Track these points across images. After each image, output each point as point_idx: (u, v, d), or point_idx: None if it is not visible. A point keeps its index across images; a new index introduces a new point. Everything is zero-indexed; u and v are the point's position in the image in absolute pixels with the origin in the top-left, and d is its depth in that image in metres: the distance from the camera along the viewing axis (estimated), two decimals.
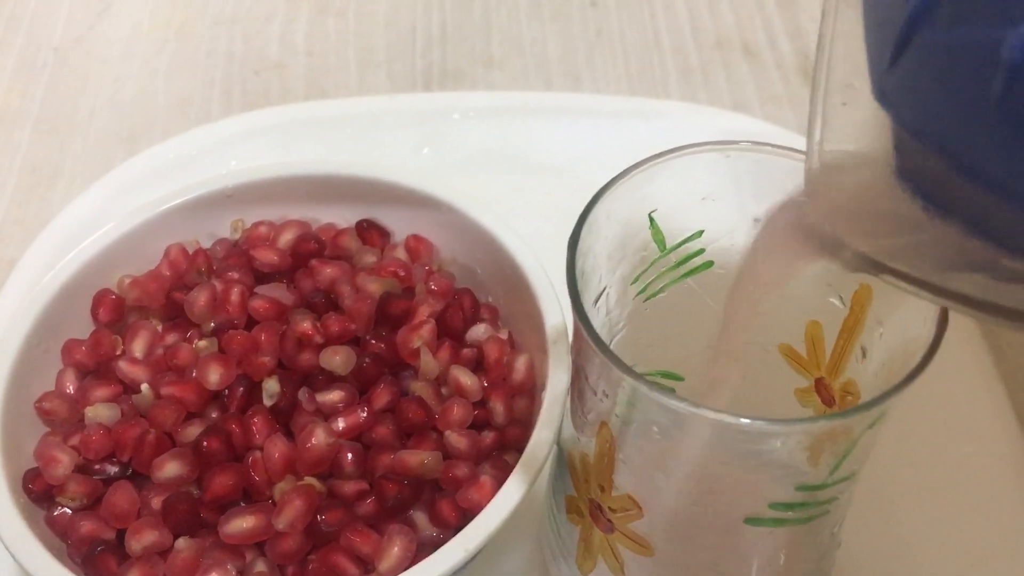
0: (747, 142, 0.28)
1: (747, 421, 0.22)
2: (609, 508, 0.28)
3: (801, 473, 0.25)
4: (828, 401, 0.31)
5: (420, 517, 0.33)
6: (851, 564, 0.35)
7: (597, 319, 0.30)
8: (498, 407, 0.35)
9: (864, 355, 0.29)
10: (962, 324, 0.43)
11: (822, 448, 0.24)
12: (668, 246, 0.30)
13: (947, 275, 0.21)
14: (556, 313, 0.35)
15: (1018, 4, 0.16)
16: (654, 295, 0.32)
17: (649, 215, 0.29)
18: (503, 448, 0.35)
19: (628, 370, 0.23)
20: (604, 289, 0.30)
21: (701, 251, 0.31)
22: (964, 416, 0.41)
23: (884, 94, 0.20)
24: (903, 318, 0.27)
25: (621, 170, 0.28)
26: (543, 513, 0.36)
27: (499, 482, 0.32)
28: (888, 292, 0.28)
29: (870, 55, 0.20)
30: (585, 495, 0.29)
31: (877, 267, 0.22)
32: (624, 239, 0.29)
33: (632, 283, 0.31)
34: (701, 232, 0.30)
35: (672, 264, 0.31)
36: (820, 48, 0.23)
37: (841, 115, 0.23)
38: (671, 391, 0.24)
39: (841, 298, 0.29)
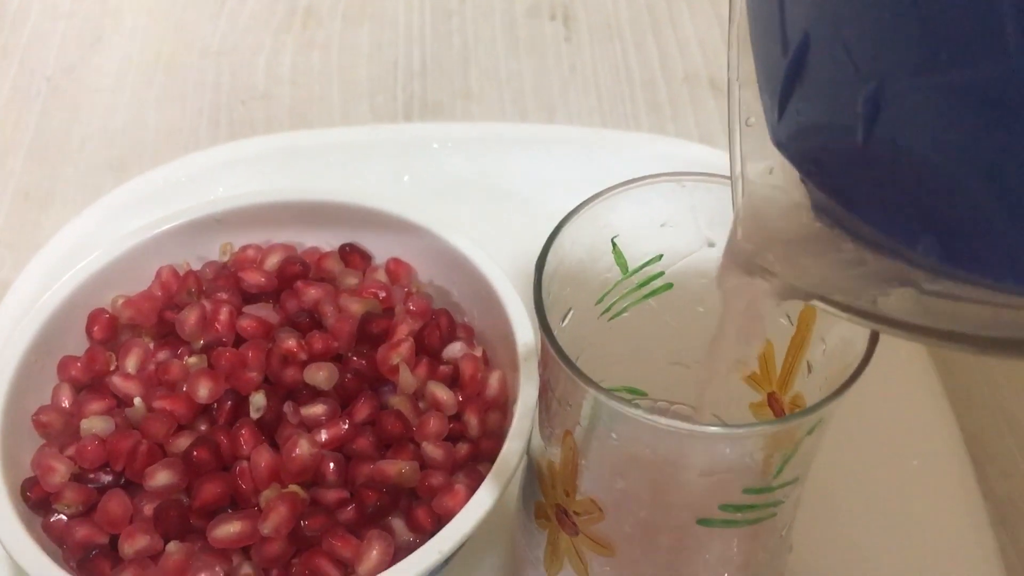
0: (701, 173, 0.30)
1: (696, 428, 0.25)
2: (574, 512, 0.30)
3: (748, 476, 0.27)
4: (779, 413, 0.33)
5: (398, 523, 0.35)
6: (803, 568, 0.37)
7: (563, 337, 0.32)
8: (472, 420, 0.37)
9: (810, 370, 0.31)
10: (908, 345, 0.46)
11: (767, 452, 0.27)
12: (630, 269, 0.33)
13: (870, 297, 0.23)
14: (527, 332, 0.37)
15: (868, 68, 0.18)
16: (617, 315, 0.34)
17: (612, 240, 0.32)
18: (477, 459, 0.37)
19: (590, 382, 0.26)
20: (570, 309, 0.32)
21: (661, 274, 0.33)
22: (912, 431, 0.43)
23: (779, 142, 0.23)
24: (842, 336, 0.29)
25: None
26: (514, 522, 0.38)
27: (472, 490, 0.34)
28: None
29: (764, 108, 0.23)
30: (552, 500, 0.32)
31: (805, 295, 0.24)
32: (588, 263, 0.31)
33: (596, 303, 0.33)
34: (660, 256, 0.33)
35: (634, 286, 0.33)
36: (730, 94, 0.25)
37: (756, 152, 0.25)
38: (628, 401, 0.26)
39: (789, 317, 0.32)
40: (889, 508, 0.41)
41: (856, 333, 0.28)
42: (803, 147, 0.22)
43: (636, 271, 0.33)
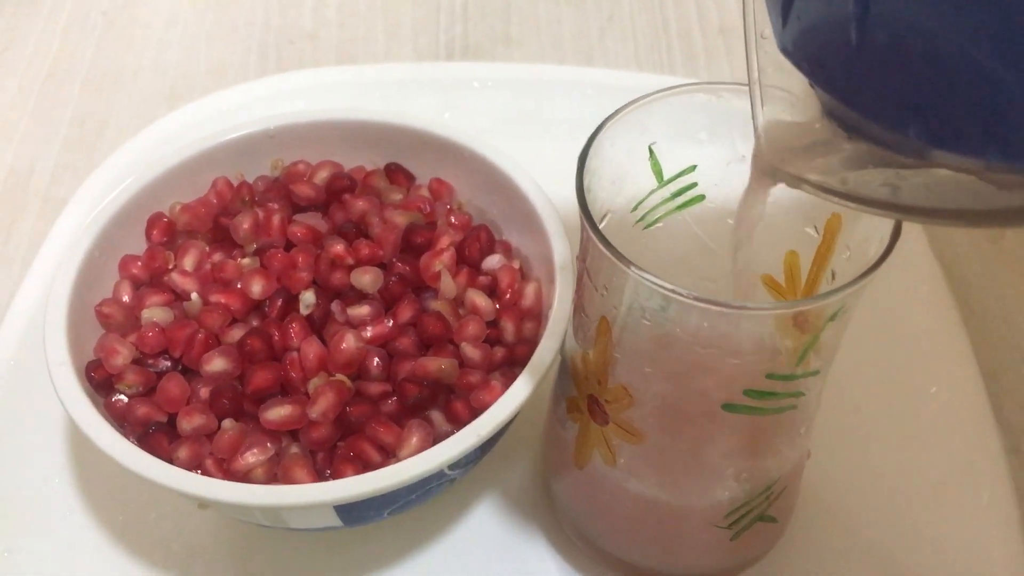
0: (737, 84, 0.32)
1: (725, 304, 0.26)
2: (605, 400, 0.32)
3: (773, 361, 0.29)
4: (801, 323, 0.35)
5: (437, 416, 0.37)
6: (820, 475, 0.39)
7: None
8: (509, 327, 0.39)
9: (833, 277, 0.33)
10: (931, 282, 0.48)
11: (792, 336, 0.28)
12: (665, 178, 0.34)
13: (864, 183, 0.25)
14: (563, 244, 0.39)
15: None
16: (651, 224, 0.36)
17: (649, 147, 0.33)
18: (512, 364, 0.39)
19: (627, 261, 0.27)
20: (607, 213, 0.34)
21: (694, 184, 0.35)
22: (931, 361, 0.45)
23: (785, 49, 0.25)
24: (865, 240, 0.30)
25: None
26: (544, 426, 0.40)
27: (508, 388, 0.36)
28: (854, 218, 0.32)
29: (771, 17, 0.25)
30: (585, 392, 0.33)
31: (809, 183, 0.26)
32: (626, 166, 0.33)
33: (632, 211, 0.35)
34: (695, 167, 0.34)
35: (668, 196, 0.35)
36: (745, 9, 0.27)
37: (771, 63, 0.27)
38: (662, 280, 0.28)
39: (816, 227, 0.33)
40: (905, 429, 0.42)
41: (877, 236, 0.29)
42: (806, 50, 0.24)
43: (671, 180, 0.35)
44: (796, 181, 0.27)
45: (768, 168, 0.28)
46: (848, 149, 0.25)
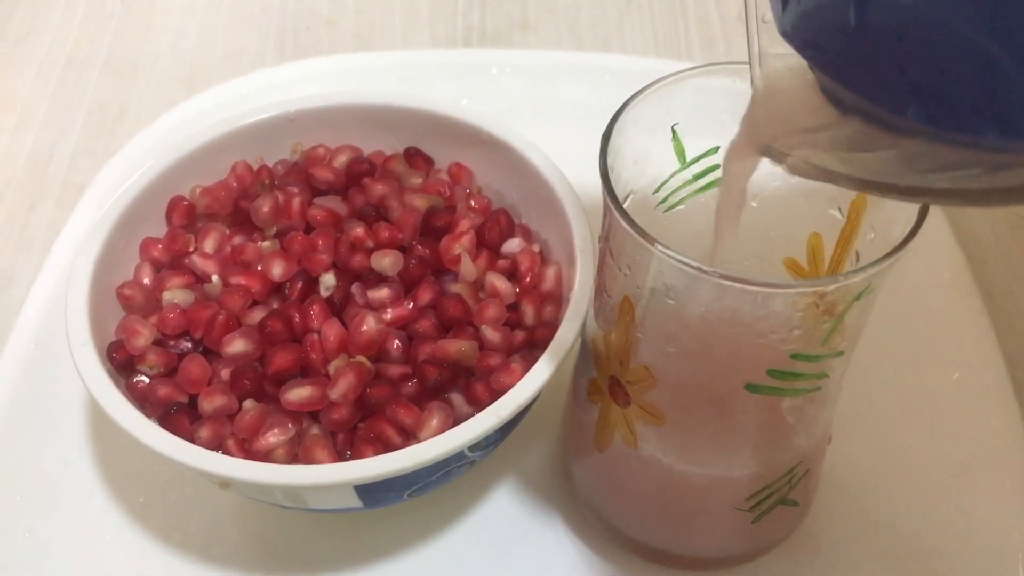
0: None
1: (750, 282, 0.26)
2: (627, 381, 0.32)
3: (797, 342, 0.29)
4: (828, 307, 0.35)
5: (457, 398, 0.37)
6: (842, 460, 0.39)
7: None
8: (529, 310, 0.39)
9: (858, 259, 0.33)
10: (954, 267, 0.47)
11: (816, 316, 0.28)
12: (688, 159, 0.34)
13: (858, 163, 0.25)
14: (583, 227, 0.39)
15: None
16: (672, 207, 0.35)
17: (672, 127, 0.33)
18: (532, 347, 0.39)
19: (651, 238, 0.27)
20: (630, 194, 0.34)
21: (716, 167, 0.35)
22: (954, 348, 0.44)
23: (785, 32, 0.25)
24: (890, 221, 0.30)
25: None
26: (564, 411, 0.40)
27: (528, 370, 0.36)
28: (879, 199, 0.32)
29: (771, 1, 0.25)
30: (606, 373, 0.33)
31: (814, 170, 0.26)
32: (649, 146, 0.33)
33: (654, 192, 0.35)
34: (717, 148, 0.34)
35: (690, 178, 0.35)
36: None
37: (772, 46, 0.27)
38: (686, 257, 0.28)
39: (840, 209, 0.33)
40: (927, 414, 0.42)
41: (903, 216, 0.29)
42: (805, 33, 0.25)
43: (694, 162, 0.34)
44: (783, 157, 0.27)
45: (761, 145, 0.28)
46: (845, 129, 0.26)
